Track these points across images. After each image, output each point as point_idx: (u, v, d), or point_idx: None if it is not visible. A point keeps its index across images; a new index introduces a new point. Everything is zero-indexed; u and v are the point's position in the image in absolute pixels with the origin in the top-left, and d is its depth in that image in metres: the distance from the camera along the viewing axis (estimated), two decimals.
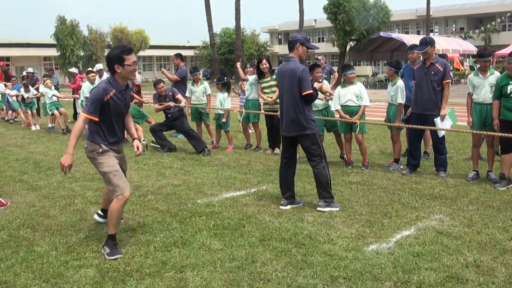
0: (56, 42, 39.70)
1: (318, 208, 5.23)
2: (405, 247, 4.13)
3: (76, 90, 13.39)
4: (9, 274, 3.81)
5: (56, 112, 12.08)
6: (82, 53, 40.89)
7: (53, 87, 12.41)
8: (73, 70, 14.84)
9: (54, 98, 12.18)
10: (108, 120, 4.20)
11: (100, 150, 4.21)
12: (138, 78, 11.55)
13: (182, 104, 8.94)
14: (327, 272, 3.69)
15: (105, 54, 43.42)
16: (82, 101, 11.12)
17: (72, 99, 13.73)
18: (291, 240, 4.36)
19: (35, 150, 9.63)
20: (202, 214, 5.19)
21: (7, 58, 47.79)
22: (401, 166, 7.15)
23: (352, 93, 7.13)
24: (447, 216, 4.96)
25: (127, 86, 4.35)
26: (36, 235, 4.66)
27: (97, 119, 4.13)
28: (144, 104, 10.65)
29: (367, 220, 4.87)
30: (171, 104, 8.82)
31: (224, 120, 9.04)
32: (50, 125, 12.46)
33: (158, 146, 9.16)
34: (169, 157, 8.47)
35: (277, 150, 8.72)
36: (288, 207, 5.38)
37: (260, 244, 4.28)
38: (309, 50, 5.38)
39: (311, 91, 5.20)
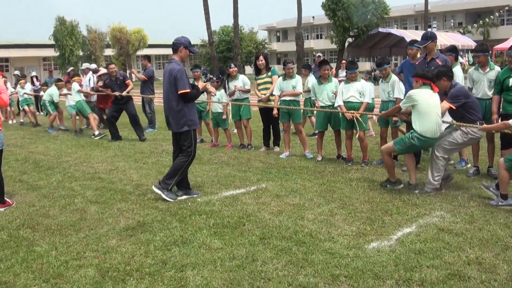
0: (54, 43, 39.71)
1: (153, 187, 5.74)
2: (407, 245, 4.11)
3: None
4: (9, 275, 3.80)
5: (26, 107, 13.79)
6: (81, 53, 40.91)
7: (26, 86, 14.14)
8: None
9: (26, 96, 13.92)
10: None
11: None
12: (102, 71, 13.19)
13: (128, 89, 10.20)
14: (328, 270, 3.68)
15: (104, 53, 43.47)
16: (69, 105, 11.76)
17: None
18: (292, 239, 4.34)
19: (34, 150, 9.62)
20: (202, 212, 5.18)
21: (6, 59, 47.76)
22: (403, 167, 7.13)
23: (355, 90, 7.10)
24: (448, 212, 4.94)
25: None
26: (36, 235, 4.65)
27: None
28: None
29: (367, 218, 4.85)
30: (117, 93, 10.06)
31: (224, 117, 9.00)
32: (21, 120, 14.25)
33: (104, 134, 10.55)
34: (169, 156, 8.44)
35: (276, 148, 8.69)
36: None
37: (261, 243, 4.27)
38: (191, 54, 5.80)
39: (188, 90, 5.52)
